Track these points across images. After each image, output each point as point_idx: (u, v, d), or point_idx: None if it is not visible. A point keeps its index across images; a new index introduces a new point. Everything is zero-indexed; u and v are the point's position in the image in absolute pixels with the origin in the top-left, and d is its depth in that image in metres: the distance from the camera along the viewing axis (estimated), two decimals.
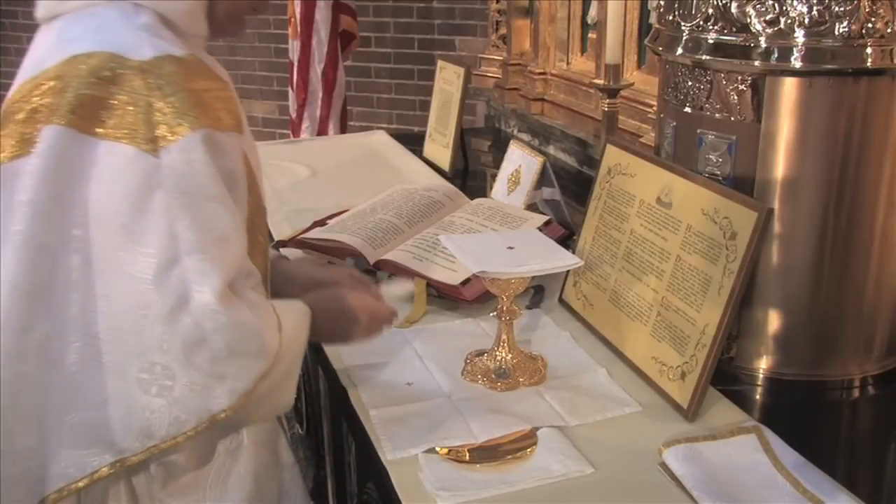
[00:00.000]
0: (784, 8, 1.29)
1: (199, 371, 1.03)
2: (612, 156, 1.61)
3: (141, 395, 1.03)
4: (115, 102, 1.03)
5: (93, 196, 1.03)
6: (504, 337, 1.43)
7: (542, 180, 1.95)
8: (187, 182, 1.03)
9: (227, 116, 1.09)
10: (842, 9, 1.27)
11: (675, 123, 1.48)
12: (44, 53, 1.10)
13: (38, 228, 1.02)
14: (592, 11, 2.68)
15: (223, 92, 1.11)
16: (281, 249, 1.79)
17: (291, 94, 3.51)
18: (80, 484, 1.07)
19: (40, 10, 1.15)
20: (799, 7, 1.28)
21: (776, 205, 1.35)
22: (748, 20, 1.32)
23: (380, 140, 2.95)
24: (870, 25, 1.27)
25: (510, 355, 1.42)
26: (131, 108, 1.03)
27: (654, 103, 1.97)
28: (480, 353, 1.46)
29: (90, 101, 1.03)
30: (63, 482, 1.07)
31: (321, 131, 3.47)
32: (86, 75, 1.04)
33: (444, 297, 1.66)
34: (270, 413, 1.17)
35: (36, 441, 1.06)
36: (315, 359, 1.56)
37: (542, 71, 2.88)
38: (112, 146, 1.02)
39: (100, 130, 1.03)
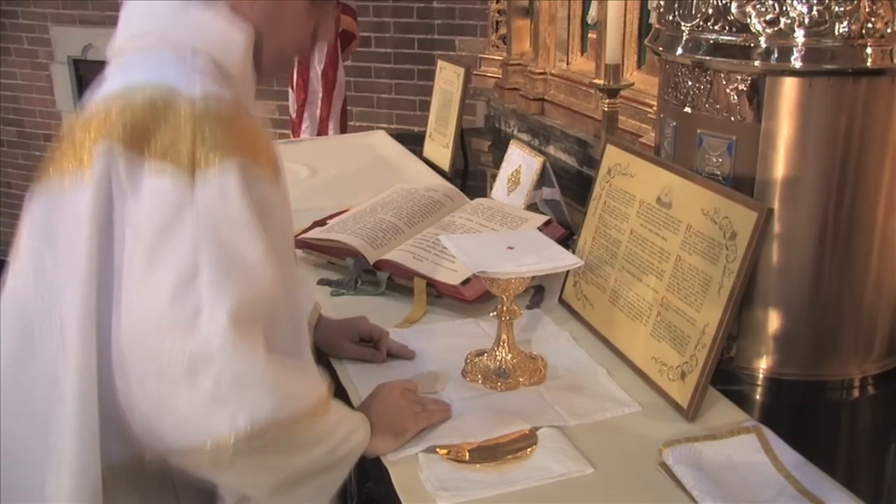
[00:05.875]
0: (784, 8, 1.29)
1: (202, 390, 1.02)
2: (612, 156, 1.61)
3: (154, 403, 1.04)
4: (162, 127, 1.08)
5: (130, 211, 1.07)
6: (504, 337, 1.43)
7: (542, 180, 1.95)
8: (219, 206, 1.07)
9: (264, 156, 1.14)
10: (842, 9, 1.27)
11: (675, 123, 1.48)
12: (106, 87, 1.17)
13: (96, 240, 1.06)
14: (592, 11, 2.68)
15: (263, 135, 1.16)
16: None
17: (291, 94, 3.51)
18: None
19: (110, 49, 1.21)
20: (799, 7, 1.28)
21: (776, 205, 1.35)
22: (748, 20, 1.32)
23: (380, 140, 2.95)
24: (870, 25, 1.27)
25: (510, 355, 1.42)
26: (175, 132, 1.08)
27: (654, 103, 1.97)
28: (480, 353, 1.46)
29: (140, 123, 1.08)
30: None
31: (321, 131, 3.46)
32: (140, 101, 1.10)
33: (444, 297, 1.66)
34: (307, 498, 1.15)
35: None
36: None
37: (542, 71, 2.88)
38: (153, 165, 1.07)
39: (145, 151, 1.08)
